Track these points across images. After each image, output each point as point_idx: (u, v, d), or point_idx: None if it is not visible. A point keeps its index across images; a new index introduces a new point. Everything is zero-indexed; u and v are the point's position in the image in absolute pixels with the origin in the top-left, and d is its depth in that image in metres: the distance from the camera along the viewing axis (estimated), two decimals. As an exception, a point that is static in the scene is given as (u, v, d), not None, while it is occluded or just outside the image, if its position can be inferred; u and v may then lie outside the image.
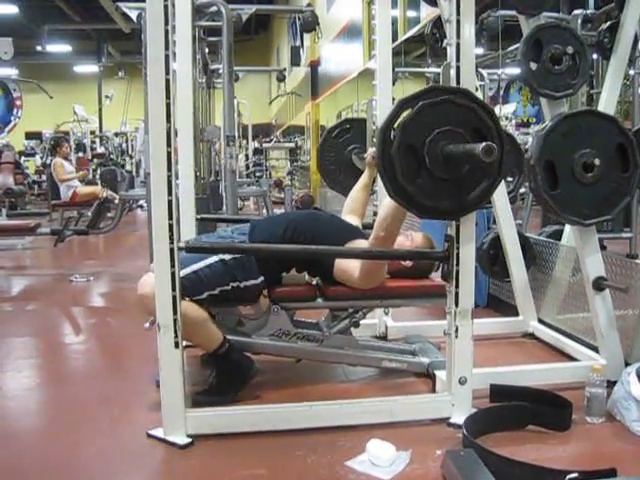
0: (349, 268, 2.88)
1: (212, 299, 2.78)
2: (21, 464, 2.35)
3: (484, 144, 2.13)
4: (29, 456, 2.42)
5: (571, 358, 3.29)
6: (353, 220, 3.33)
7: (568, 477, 1.97)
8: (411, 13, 8.06)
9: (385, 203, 2.62)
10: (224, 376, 2.82)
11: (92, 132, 15.96)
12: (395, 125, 2.31)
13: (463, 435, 2.34)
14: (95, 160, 13.85)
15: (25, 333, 4.24)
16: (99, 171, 12.22)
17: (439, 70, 7.23)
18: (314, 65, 14.33)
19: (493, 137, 2.32)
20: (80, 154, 14.28)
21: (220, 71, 6.55)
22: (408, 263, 3.05)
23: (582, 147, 2.76)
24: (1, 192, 10.48)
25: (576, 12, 4.63)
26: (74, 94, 20.29)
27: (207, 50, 7.15)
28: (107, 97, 16.13)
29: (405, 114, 2.31)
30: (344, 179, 3.89)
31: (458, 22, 2.41)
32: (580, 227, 2.91)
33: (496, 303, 4.32)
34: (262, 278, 2.88)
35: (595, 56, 4.46)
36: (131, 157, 14.70)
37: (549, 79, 3.01)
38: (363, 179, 3.53)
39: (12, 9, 15.76)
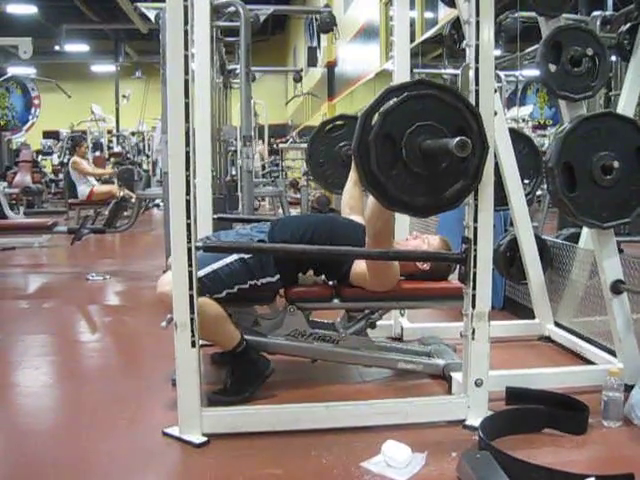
0: (363, 270, 2.88)
1: (230, 297, 2.79)
2: (37, 461, 2.37)
3: (458, 138, 2.11)
4: (45, 453, 2.44)
5: (588, 361, 3.27)
6: (356, 218, 3.31)
7: (585, 481, 1.96)
8: (429, 14, 8.05)
9: (369, 200, 2.59)
10: (240, 375, 2.83)
11: (109, 131, 16.06)
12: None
13: (479, 437, 2.33)
14: (112, 159, 13.92)
15: (42, 331, 4.26)
16: (116, 170, 12.27)
17: (456, 71, 7.22)
18: (331, 66, 14.34)
19: (475, 139, 2.30)
20: (97, 153, 14.37)
21: (237, 71, 6.57)
22: (425, 267, 3.04)
23: (601, 149, 2.74)
24: (19, 190, 10.58)
25: (595, 13, 4.61)
26: (91, 93, 20.43)
27: (224, 50, 7.16)
28: (124, 97, 16.22)
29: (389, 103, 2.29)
30: (332, 174, 3.84)
31: (477, 23, 2.40)
32: (598, 230, 2.89)
33: (512, 305, 4.30)
34: (278, 276, 2.89)
35: (614, 58, 4.44)
36: (148, 156, 14.76)
37: (568, 81, 2.99)
38: (352, 175, 3.46)
39: (31, 9, 15.89)
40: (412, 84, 2.37)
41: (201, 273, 2.66)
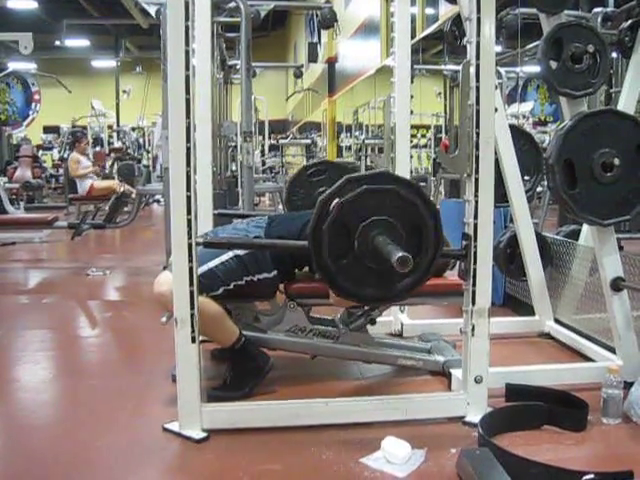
0: None
1: (227, 294, 2.79)
2: (38, 456, 2.37)
3: (400, 255, 2.12)
4: (45, 448, 2.44)
5: (587, 358, 3.27)
6: None
7: (584, 478, 1.96)
8: (429, 10, 8.04)
9: None
10: (240, 371, 2.83)
11: (109, 126, 16.06)
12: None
13: (479, 434, 2.33)
14: (112, 154, 13.92)
15: (42, 326, 4.27)
16: (116, 165, 12.27)
17: (457, 68, 7.22)
18: (331, 62, 14.34)
19: (429, 237, 2.34)
20: (97, 148, 14.36)
21: (237, 67, 6.57)
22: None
23: (602, 147, 2.74)
24: (19, 185, 10.58)
25: (596, 10, 4.61)
26: (92, 89, 20.44)
27: (225, 46, 7.16)
28: (124, 92, 16.21)
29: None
30: None
31: (478, 20, 2.40)
32: (598, 227, 2.90)
33: (512, 302, 4.30)
34: (276, 272, 2.89)
35: (615, 55, 4.44)
36: (148, 152, 14.77)
37: (569, 78, 2.99)
38: None
39: (31, 4, 15.86)
40: (373, 176, 2.40)
41: (197, 271, 2.66)
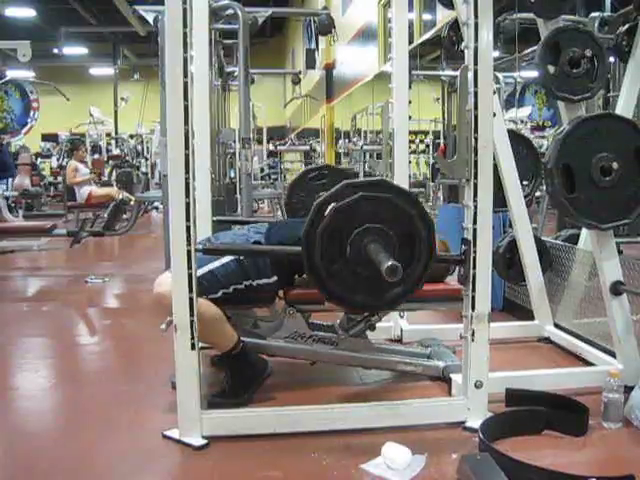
0: None
1: (227, 298, 2.79)
2: (38, 464, 2.36)
3: (390, 263, 2.13)
4: (46, 456, 2.43)
5: (587, 363, 3.27)
6: None
7: (585, 483, 1.96)
8: (427, 16, 8.06)
9: None
10: (238, 377, 2.82)
11: (108, 134, 16.05)
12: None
13: (479, 439, 2.33)
14: (111, 162, 13.91)
15: (41, 333, 4.27)
16: (115, 173, 12.26)
17: (454, 73, 7.24)
18: (329, 68, 14.35)
19: (422, 248, 2.35)
20: (96, 156, 14.36)
21: (236, 74, 6.56)
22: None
23: (600, 151, 2.74)
24: (18, 193, 10.57)
25: (593, 15, 4.62)
26: (90, 96, 20.44)
27: (223, 53, 7.16)
28: (123, 99, 16.22)
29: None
30: None
31: (476, 25, 2.41)
32: (597, 231, 2.90)
33: (512, 307, 4.30)
34: (275, 278, 2.89)
35: (612, 59, 4.44)
36: (146, 159, 14.76)
37: (567, 82, 2.99)
38: None
39: (30, 12, 15.90)
40: (371, 184, 2.40)
41: (198, 273, 2.66)
